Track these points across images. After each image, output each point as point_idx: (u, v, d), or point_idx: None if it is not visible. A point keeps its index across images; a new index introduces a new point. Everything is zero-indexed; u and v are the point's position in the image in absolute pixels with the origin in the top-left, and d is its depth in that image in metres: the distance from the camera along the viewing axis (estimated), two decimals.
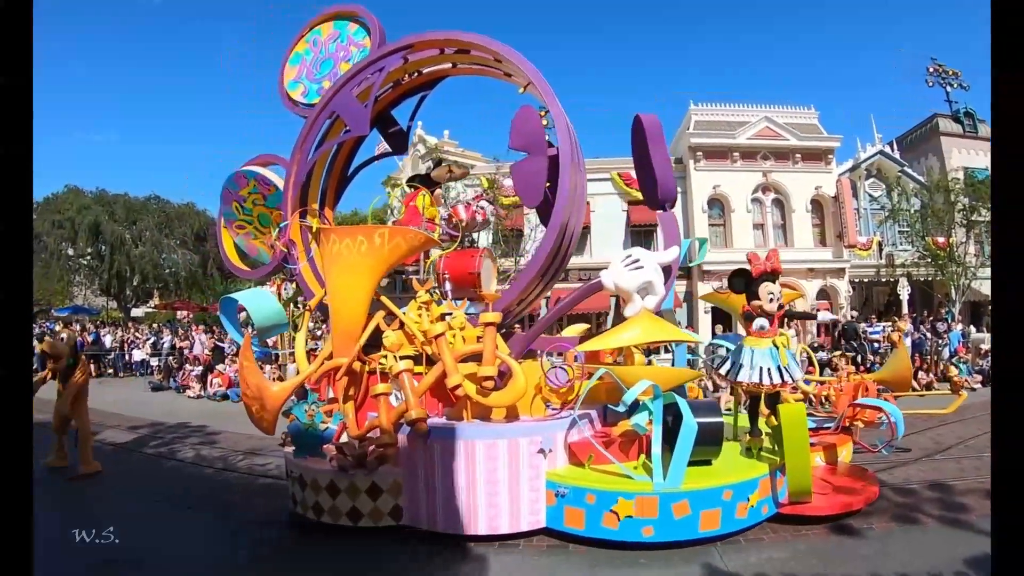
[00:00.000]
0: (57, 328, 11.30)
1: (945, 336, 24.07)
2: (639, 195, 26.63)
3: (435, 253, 9.40)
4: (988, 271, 30.16)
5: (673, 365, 10.51)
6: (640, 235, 31.50)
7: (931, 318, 27.40)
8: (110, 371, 27.75)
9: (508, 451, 7.06)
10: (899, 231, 33.84)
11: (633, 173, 27.46)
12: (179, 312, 42.57)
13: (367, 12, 10.26)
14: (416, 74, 10.53)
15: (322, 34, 10.65)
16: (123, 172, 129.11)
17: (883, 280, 33.30)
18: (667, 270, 8.27)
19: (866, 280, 34.03)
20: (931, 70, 38.31)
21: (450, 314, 8.16)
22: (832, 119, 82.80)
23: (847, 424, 9.23)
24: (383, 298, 8.56)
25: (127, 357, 28.37)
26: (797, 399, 9.12)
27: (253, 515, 8.32)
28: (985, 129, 36.18)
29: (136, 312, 50.39)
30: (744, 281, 7.84)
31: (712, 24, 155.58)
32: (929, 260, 31.49)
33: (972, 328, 26.56)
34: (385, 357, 7.76)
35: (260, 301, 10.31)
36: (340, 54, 10.34)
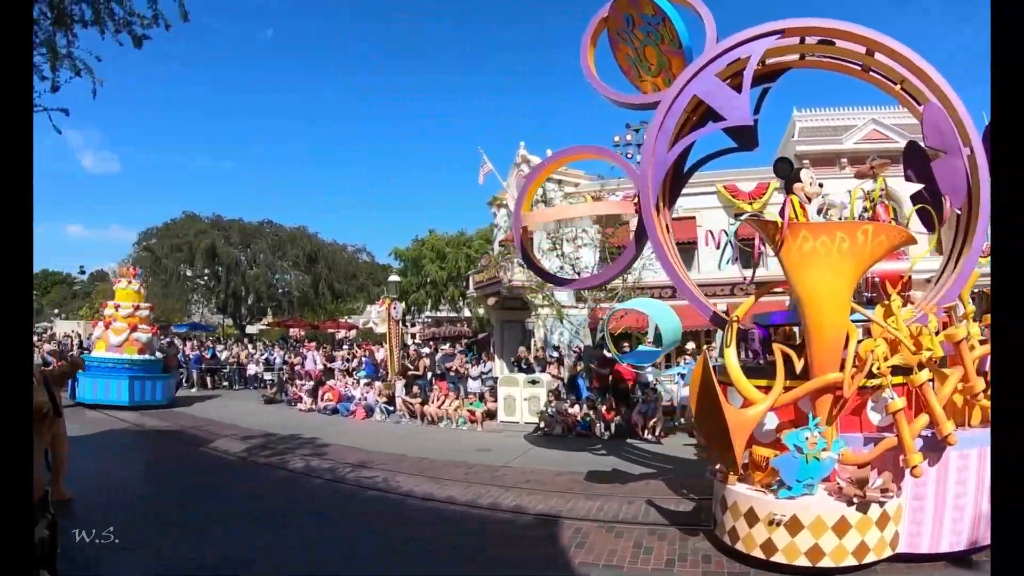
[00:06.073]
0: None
1: None
2: (747, 207, 26.14)
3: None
4: None
5: None
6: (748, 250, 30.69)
7: None
8: (225, 384, 28.81)
9: None
10: None
11: (739, 185, 27.06)
12: (291, 329, 44.02)
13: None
14: (759, 64, 9.46)
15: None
16: (239, 198, 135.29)
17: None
18: None
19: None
20: None
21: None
22: None
23: None
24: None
25: (242, 372, 29.37)
26: None
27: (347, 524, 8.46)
28: None
29: (251, 329, 52.41)
30: None
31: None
32: None
33: None
34: (878, 369, 7.00)
35: (666, 314, 9.77)
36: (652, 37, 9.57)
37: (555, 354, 22.13)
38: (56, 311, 78.51)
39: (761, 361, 7.96)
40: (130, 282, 22.17)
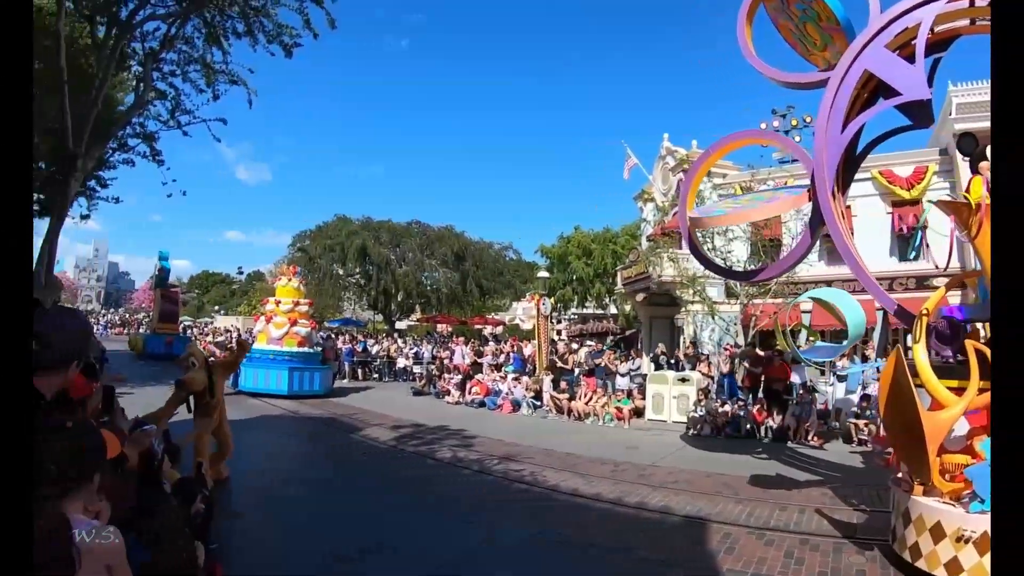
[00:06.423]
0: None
1: None
2: (905, 194, 24.29)
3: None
4: None
5: None
6: (907, 240, 27.59)
7: None
8: (375, 376, 29.82)
9: None
10: None
11: (895, 170, 25.02)
12: (439, 325, 45.14)
13: None
14: (929, 33, 8.62)
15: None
16: (387, 202, 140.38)
17: None
18: None
19: None
20: None
21: None
22: None
23: None
24: None
25: (392, 365, 30.32)
26: None
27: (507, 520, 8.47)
28: None
29: (400, 325, 54.26)
30: None
31: None
32: None
33: None
34: None
35: (852, 306, 9.49)
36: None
37: (703, 351, 21.57)
38: (216, 308, 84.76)
39: (951, 359, 7.27)
40: (290, 280, 23.31)
